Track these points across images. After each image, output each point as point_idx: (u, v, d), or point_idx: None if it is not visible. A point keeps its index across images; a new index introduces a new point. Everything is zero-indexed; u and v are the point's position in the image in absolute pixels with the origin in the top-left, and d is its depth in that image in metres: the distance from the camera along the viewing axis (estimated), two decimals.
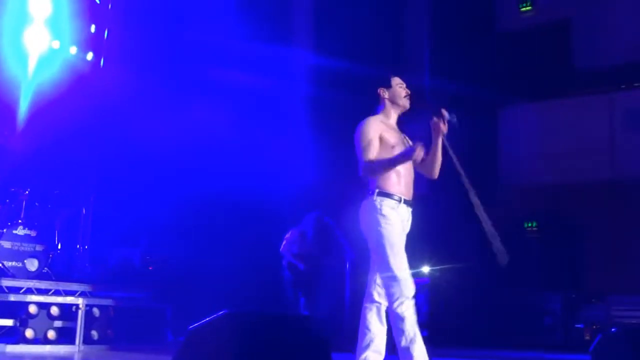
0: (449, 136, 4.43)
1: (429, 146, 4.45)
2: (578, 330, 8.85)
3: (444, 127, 4.40)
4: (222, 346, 2.99)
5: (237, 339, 2.92)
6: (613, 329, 5.04)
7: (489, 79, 9.81)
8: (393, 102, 4.62)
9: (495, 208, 10.33)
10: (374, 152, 4.37)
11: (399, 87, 4.64)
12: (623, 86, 9.95)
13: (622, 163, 9.81)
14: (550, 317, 9.13)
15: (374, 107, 4.70)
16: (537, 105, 10.65)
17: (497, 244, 4.32)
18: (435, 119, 4.41)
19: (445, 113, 4.36)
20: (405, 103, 4.61)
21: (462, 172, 4.35)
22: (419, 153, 4.19)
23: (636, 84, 9.83)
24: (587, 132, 10.10)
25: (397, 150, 4.42)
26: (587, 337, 8.66)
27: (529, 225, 10.31)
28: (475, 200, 4.38)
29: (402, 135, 4.58)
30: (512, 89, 10.23)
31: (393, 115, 4.62)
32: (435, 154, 4.51)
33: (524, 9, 10.74)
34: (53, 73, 9.32)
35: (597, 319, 8.79)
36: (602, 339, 4.86)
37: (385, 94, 4.64)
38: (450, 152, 4.38)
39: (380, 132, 4.44)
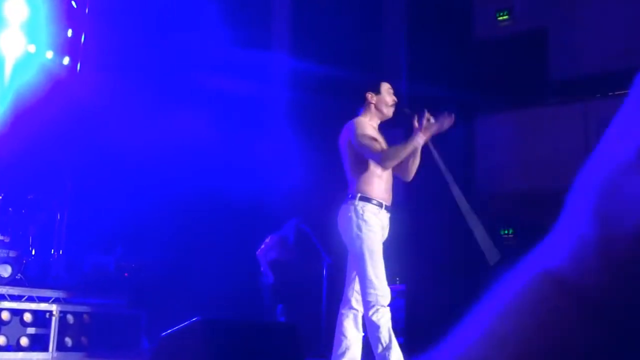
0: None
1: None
2: None
3: (432, 129, 4.34)
4: (194, 353, 2.96)
5: (210, 346, 2.89)
6: None
7: (465, 87, 9.87)
8: (377, 108, 4.61)
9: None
10: (380, 145, 4.35)
11: (387, 95, 4.63)
12: (598, 95, 10.05)
13: None
14: None
15: (355, 109, 4.70)
16: (514, 113, 10.72)
17: (485, 244, 4.30)
18: (419, 122, 4.35)
19: (429, 116, 4.31)
20: (389, 112, 4.59)
21: (448, 174, 4.32)
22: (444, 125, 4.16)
23: (611, 94, 9.93)
24: (562, 140, 10.18)
25: None
26: None
27: (505, 232, 10.37)
28: (460, 200, 4.35)
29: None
30: (488, 97, 10.28)
31: (376, 121, 4.62)
32: (415, 157, 4.49)
33: (501, 17, 10.80)
34: (29, 77, 9.23)
35: None
36: None
37: (372, 98, 4.63)
38: (436, 155, 4.34)
39: (374, 134, 4.46)
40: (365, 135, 4.41)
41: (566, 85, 10.23)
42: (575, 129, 10.21)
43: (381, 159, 4.28)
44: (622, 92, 9.87)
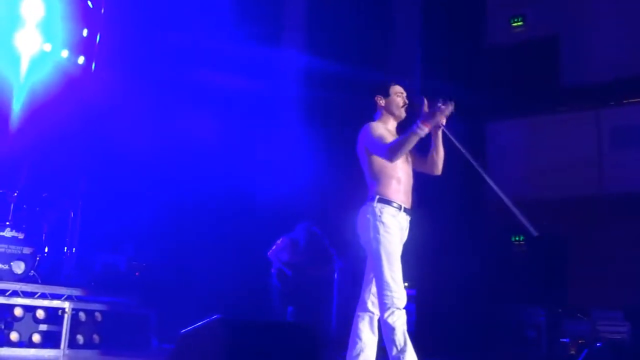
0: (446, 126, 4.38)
1: (429, 143, 4.46)
2: (563, 345, 8.87)
3: (442, 119, 4.31)
4: (213, 351, 2.99)
5: (228, 345, 2.92)
6: (598, 344, 5.07)
7: (477, 93, 9.85)
8: (389, 111, 4.61)
9: (483, 221, 10.40)
10: (388, 140, 4.35)
11: (398, 97, 4.61)
12: (612, 103, 10.02)
13: (608, 179, 9.87)
14: (534, 330, 9.15)
15: (372, 112, 4.70)
16: (525, 120, 10.70)
17: (524, 219, 4.34)
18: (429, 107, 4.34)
19: (440, 106, 4.26)
20: (401, 113, 4.57)
21: (470, 158, 4.30)
22: (444, 112, 4.12)
23: (624, 101, 9.90)
24: (574, 148, 10.15)
25: (402, 159, 4.42)
26: (572, 352, 8.68)
27: (516, 239, 10.35)
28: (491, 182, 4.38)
29: None
30: (500, 104, 10.27)
31: (391, 123, 4.61)
32: (437, 149, 4.49)
33: (515, 24, 10.80)
34: (44, 76, 9.31)
35: (582, 334, 8.81)
36: (589, 354, 4.89)
37: (382, 102, 4.63)
38: (454, 140, 4.32)
39: (386, 134, 4.46)
40: (375, 133, 4.43)
41: (578, 91, 10.20)
42: (588, 135, 10.19)
43: (386, 152, 4.27)
44: (635, 99, 9.86)
